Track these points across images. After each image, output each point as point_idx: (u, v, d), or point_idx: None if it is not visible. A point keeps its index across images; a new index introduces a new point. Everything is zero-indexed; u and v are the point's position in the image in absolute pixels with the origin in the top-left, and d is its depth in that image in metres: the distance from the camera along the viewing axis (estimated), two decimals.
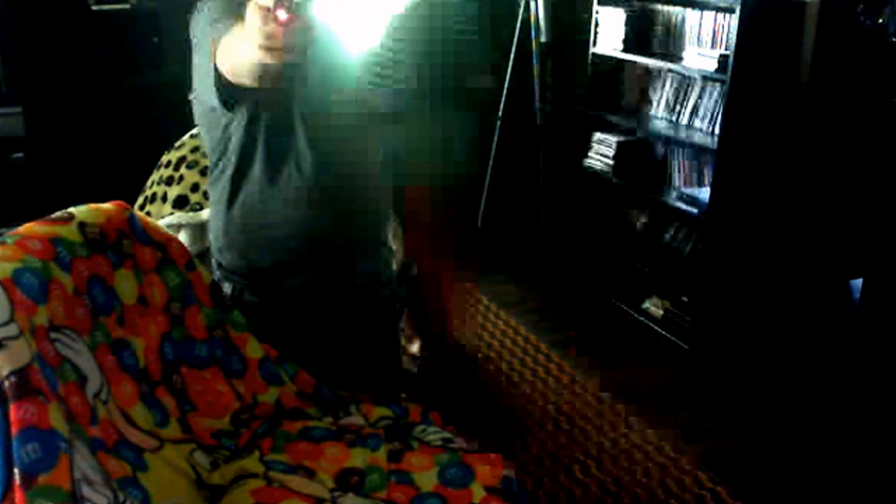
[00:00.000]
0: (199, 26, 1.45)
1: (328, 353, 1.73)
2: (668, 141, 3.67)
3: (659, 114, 3.71)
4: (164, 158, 2.39)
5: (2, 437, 1.14)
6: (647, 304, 3.64)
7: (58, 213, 1.50)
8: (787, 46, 3.11)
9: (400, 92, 1.71)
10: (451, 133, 2.08)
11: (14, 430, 1.13)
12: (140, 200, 2.34)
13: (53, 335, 1.31)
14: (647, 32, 3.68)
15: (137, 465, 1.39)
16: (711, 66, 3.19)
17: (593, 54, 3.79)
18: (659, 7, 3.64)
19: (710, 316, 3.40)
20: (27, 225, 1.43)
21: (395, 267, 1.89)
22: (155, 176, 2.38)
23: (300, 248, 1.64)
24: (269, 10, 0.97)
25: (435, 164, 1.91)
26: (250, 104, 1.52)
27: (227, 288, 1.70)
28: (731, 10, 3.17)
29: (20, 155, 3.61)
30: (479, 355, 3.31)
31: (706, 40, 3.39)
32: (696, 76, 3.46)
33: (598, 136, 3.85)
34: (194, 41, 1.48)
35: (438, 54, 2.02)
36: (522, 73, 4.03)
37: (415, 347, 2.95)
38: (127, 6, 3.75)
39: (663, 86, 3.68)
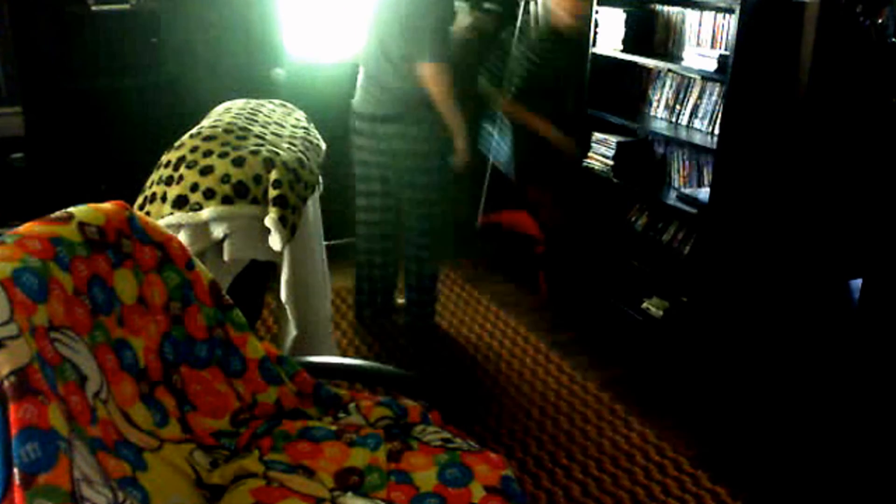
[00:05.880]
0: None
1: None
2: (668, 141, 3.67)
3: (659, 114, 3.71)
4: (164, 158, 2.38)
5: (2, 437, 1.14)
6: (646, 304, 3.64)
7: (57, 213, 1.50)
8: (787, 47, 3.11)
9: None
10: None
11: (14, 430, 1.13)
12: (140, 200, 2.33)
13: (53, 335, 1.31)
14: (647, 32, 3.68)
15: (137, 464, 1.39)
16: (711, 66, 3.18)
17: (593, 54, 3.79)
18: (659, 7, 3.64)
19: (710, 316, 3.40)
20: (27, 225, 1.43)
21: None
22: (154, 176, 2.37)
23: None
24: None
25: None
26: None
27: None
28: (730, 11, 3.17)
29: (20, 155, 3.61)
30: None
31: (706, 40, 3.39)
32: (696, 76, 3.46)
33: (597, 136, 3.85)
34: None
35: None
36: None
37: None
38: (127, 6, 3.75)
39: (663, 86, 3.68)
